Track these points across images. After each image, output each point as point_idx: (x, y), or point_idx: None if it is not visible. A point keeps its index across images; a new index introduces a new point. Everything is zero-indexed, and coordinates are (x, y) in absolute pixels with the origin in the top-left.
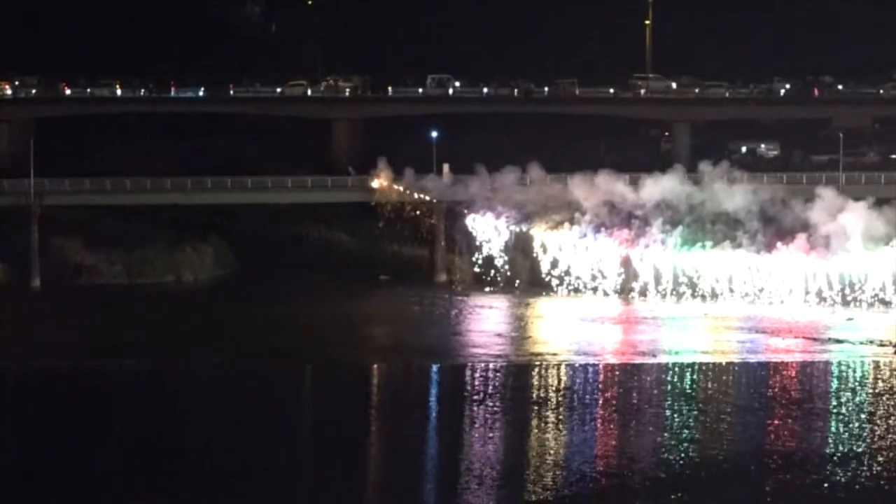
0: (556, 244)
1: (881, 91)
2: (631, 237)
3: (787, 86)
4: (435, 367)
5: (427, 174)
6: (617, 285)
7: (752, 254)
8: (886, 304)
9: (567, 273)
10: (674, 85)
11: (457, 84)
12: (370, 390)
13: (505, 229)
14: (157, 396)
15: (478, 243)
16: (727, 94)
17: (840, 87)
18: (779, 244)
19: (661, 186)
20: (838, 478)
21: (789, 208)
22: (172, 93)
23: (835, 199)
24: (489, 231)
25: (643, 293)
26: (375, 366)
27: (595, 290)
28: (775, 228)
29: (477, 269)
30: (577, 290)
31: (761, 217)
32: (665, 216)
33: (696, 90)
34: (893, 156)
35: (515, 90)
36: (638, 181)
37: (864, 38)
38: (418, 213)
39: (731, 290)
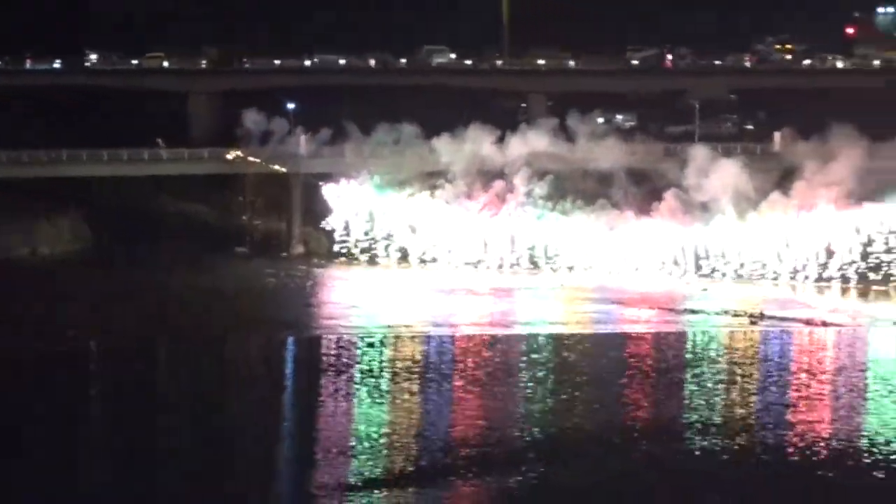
0: (419, 212)
1: (732, 60)
2: (500, 195)
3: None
4: (290, 339)
5: (286, 145)
6: (475, 255)
7: (616, 219)
8: (741, 276)
9: (427, 242)
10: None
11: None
12: (224, 363)
13: (367, 198)
14: None
15: (336, 214)
16: (573, 65)
17: (689, 59)
18: (653, 204)
19: (528, 145)
20: (701, 447)
21: (660, 170)
22: (28, 65)
23: (706, 157)
24: (350, 201)
25: (500, 263)
26: (230, 338)
27: (453, 260)
28: (647, 189)
29: (334, 241)
30: (435, 261)
31: (631, 177)
32: (532, 170)
33: (542, 62)
34: (749, 126)
35: (372, 61)
36: (504, 140)
37: (723, 10)
38: (273, 184)
39: (588, 260)
